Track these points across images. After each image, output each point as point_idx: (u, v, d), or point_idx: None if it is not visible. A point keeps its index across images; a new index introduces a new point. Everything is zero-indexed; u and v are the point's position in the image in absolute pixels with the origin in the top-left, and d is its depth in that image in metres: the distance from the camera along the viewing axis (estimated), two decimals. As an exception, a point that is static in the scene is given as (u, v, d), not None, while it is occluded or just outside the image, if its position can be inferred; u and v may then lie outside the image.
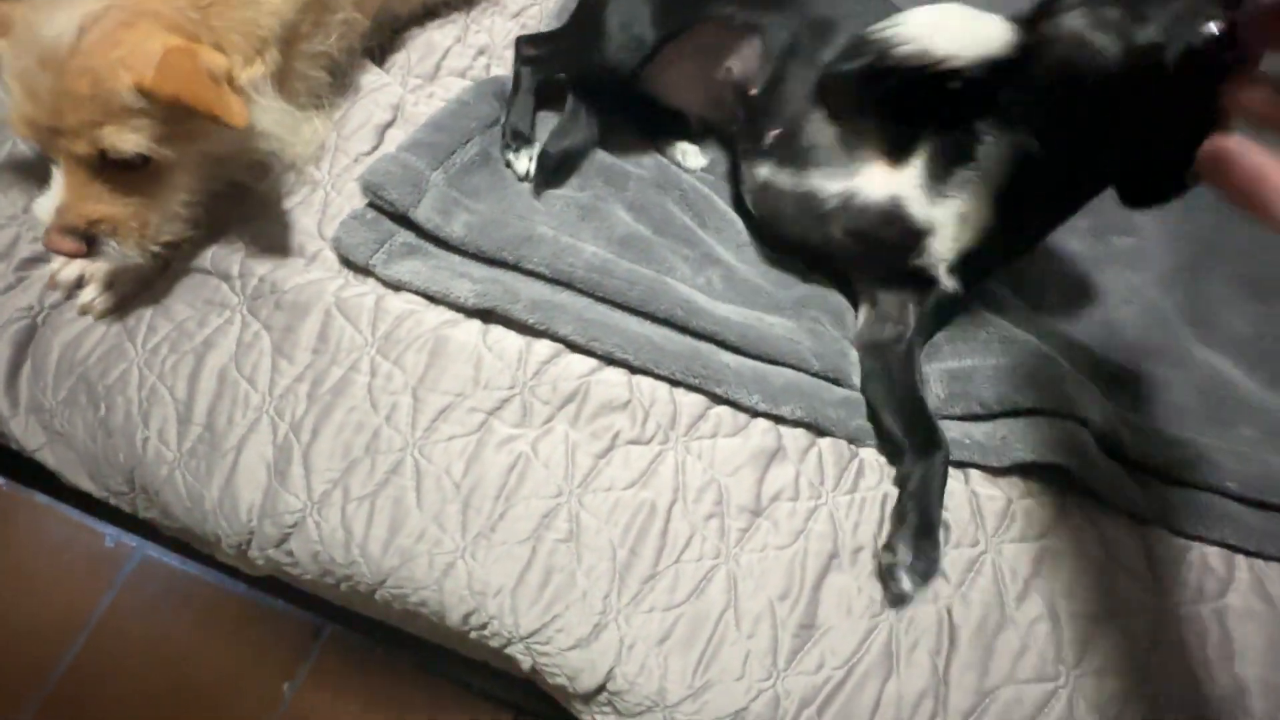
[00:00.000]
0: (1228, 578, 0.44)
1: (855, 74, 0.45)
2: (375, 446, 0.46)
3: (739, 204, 0.59)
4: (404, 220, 0.51)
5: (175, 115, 0.43)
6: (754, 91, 0.55)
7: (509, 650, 0.44)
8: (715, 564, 0.44)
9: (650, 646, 0.43)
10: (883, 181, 0.48)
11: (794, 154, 0.51)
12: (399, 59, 0.64)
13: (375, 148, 0.57)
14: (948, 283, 0.49)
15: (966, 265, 0.49)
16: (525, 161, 0.55)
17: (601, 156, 0.58)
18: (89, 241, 0.44)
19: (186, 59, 0.41)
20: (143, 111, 0.42)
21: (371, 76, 0.60)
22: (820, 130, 0.50)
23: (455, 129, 0.54)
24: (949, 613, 0.43)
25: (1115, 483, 0.46)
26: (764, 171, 0.53)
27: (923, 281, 0.50)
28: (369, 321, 0.49)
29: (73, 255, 0.45)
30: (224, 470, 0.45)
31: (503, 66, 0.66)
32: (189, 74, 0.41)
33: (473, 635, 0.44)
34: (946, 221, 0.47)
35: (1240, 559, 0.44)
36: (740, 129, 0.57)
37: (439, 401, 0.47)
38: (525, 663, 0.44)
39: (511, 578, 0.44)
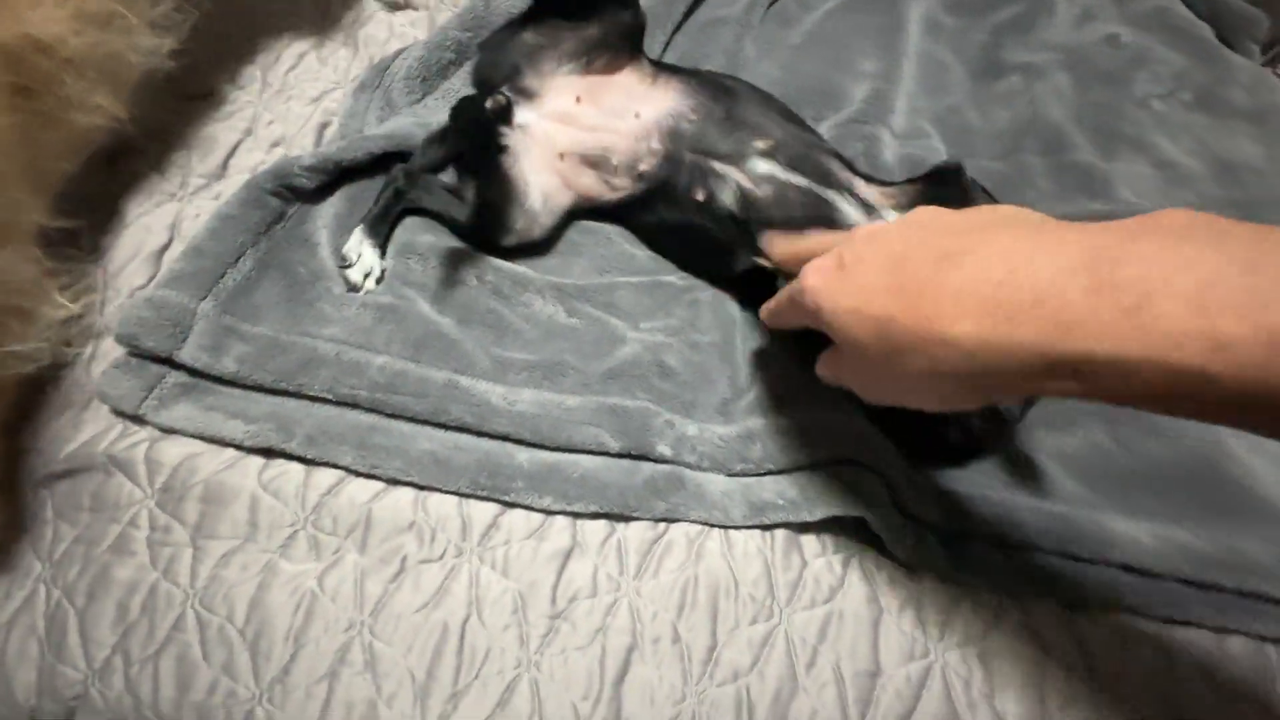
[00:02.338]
0: (992, 619, 0.47)
1: None
2: (153, 605, 0.44)
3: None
4: (172, 361, 0.49)
5: None
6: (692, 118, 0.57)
7: (320, 790, 0.43)
8: (517, 673, 0.45)
9: (462, 765, 0.43)
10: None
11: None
12: (177, 159, 0.60)
13: (153, 277, 0.54)
14: None
15: None
16: (359, 274, 0.54)
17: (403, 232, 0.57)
18: None
19: None
20: None
21: (137, 199, 0.56)
22: None
23: (221, 250, 0.52)
24: (747, 690, 0.45)
25: (898, 534, 0.48)
26: (763, 168, 0.54)
27: None
28: (145, 474, 0.47)
29: None
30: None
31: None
32: None
33: (284, 779, 0.43)
34: None
35: (1004, 599, 0.47)
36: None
37: (219, 549, 0.45)
38: (338, 799, 0.43)
39: (314, 718, 0.43)
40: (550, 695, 0.44)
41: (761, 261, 0.50)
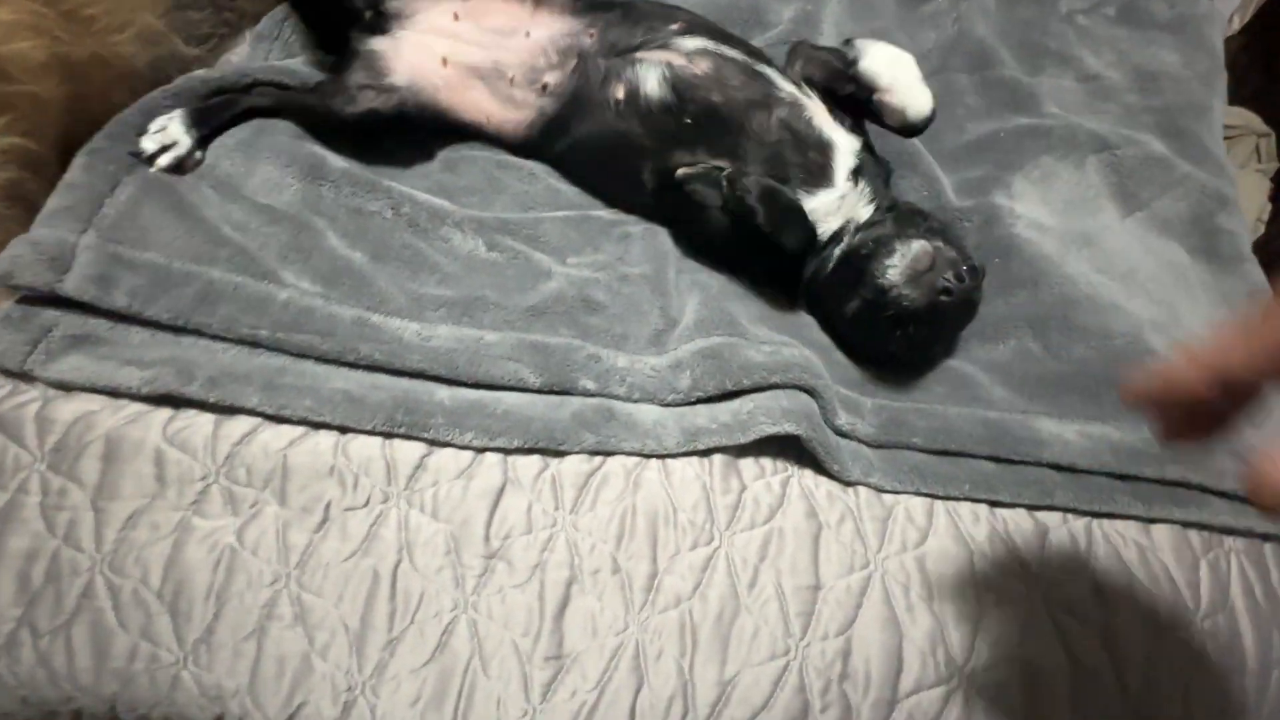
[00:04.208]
0: (927, 525, 0.47)
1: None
2: (56, 573, 0.42)
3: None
4: (58, 303, 0.45)
5: None
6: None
7: (263, 746, 0.42)
8: (454, 615, 0.44)
9: (404, 712, 0.42)
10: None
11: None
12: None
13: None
14: None
15: None
16: (154, 144, 0.51)
17: (303, 148, 0.55)
18: None
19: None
20: None
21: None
22: None
23: (93, 182, 0.49)
24: (690, 614, 0.45)
25: (832, 451, 0.48)
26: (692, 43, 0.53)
27: None
28: (34, 434, 0.44)
29: None
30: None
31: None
32: None
33: (225, 739, 0.42)
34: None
35: (938, 505, 0.48)
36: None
37: (124, 509, 0.43)
38: (282, 754, 0.42)
39: (245, 675, 0.42)
40: (489, 634, 0.43)
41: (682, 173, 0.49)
